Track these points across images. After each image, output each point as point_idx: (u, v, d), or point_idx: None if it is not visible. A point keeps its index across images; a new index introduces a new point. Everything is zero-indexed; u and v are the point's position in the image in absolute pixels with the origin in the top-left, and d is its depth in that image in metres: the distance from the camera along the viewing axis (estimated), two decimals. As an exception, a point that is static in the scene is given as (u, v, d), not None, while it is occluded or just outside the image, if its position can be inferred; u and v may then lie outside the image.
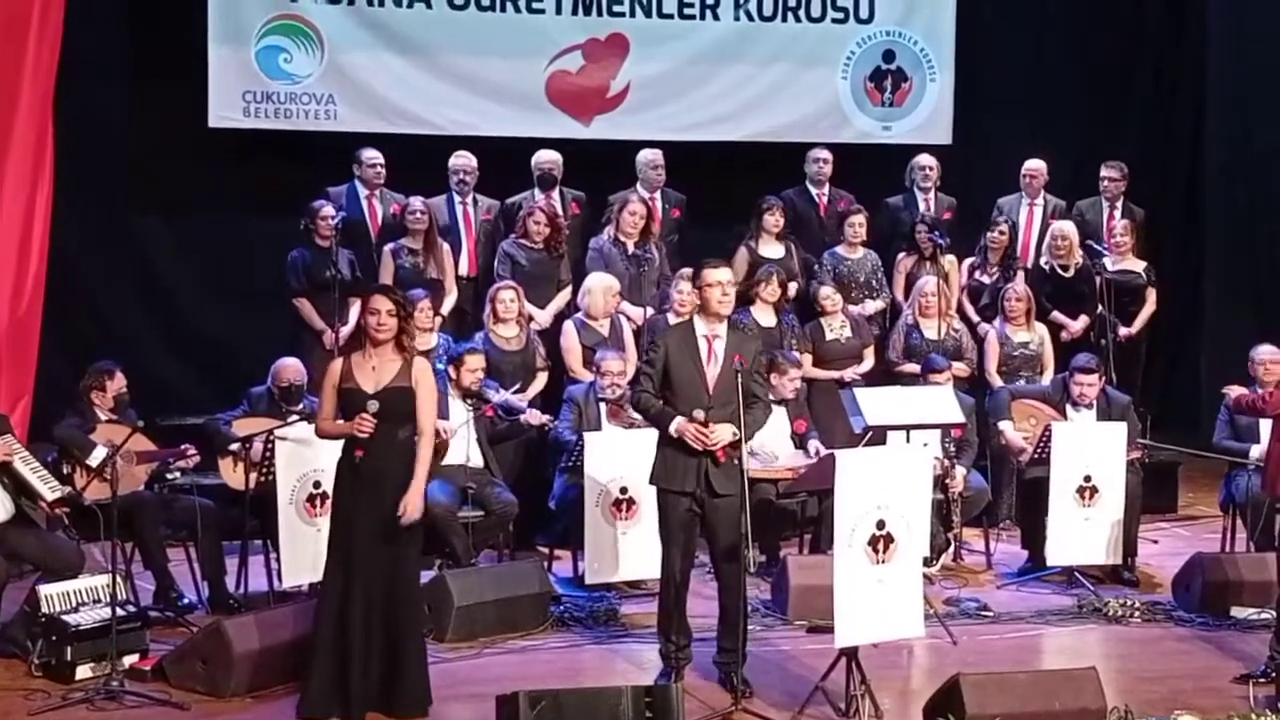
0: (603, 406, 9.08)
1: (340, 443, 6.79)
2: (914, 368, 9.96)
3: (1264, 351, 9.14)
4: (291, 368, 8.72)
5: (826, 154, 11.32)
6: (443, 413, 8.75)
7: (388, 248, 10.23)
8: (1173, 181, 13.17)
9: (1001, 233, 10.89)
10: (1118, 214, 11.37)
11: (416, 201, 10.29)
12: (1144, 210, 11.58)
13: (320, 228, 10.07)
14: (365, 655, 6.60)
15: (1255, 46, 12.75)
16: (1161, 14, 13.14)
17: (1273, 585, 8.42)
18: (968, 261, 10.95)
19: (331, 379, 6.74)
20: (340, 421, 6.70)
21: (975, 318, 10.68)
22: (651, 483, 7.11)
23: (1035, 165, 11.42)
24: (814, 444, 9.27)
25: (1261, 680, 7.23)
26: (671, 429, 6.92)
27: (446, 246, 10.37)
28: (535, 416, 9.28)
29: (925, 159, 11.42)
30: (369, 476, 6.65)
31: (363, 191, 10.63)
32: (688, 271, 9.55)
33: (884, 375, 10.15)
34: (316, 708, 6.60)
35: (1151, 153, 12.97)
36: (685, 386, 6.95)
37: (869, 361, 10.25)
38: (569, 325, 9.95)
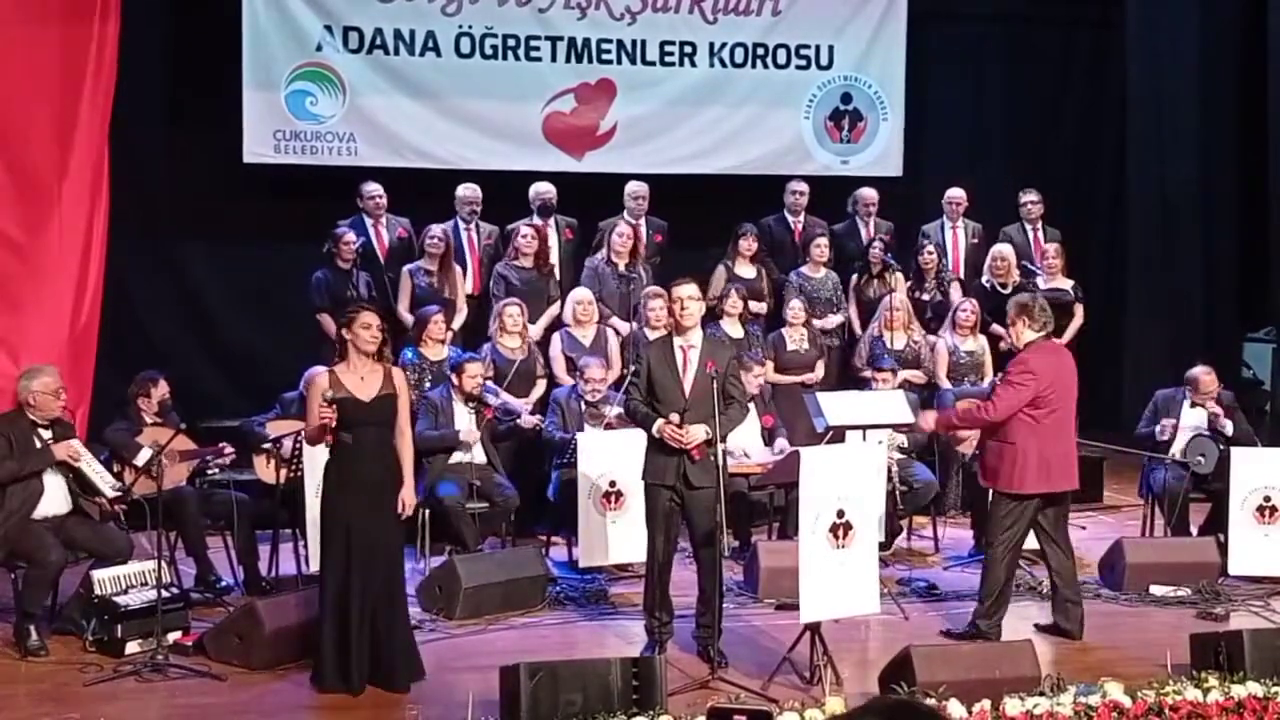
0: (583, 406, 9.09)
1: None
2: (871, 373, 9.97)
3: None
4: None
5: (804, 186, 11.34)
6: (447, 421, 8.77)
7: (406, 268, 10.22)
8: (1097, 210, 13.22)
9: (930, 253, 10.97)
10: (1041, 235, 11.42)
11: (436, 229, 10.27)
12: (1070, 234, 11.60)
13: (342, 251, 10.07)
14: (361, 635, 6.54)
15: (1170, 86, 12.81)
16: (1086, 55, 13.19)
17: (1186, 566, 8.50)
18: (905, 283, 10.99)
19: (319, 390, 6.57)
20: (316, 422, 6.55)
21: (921, 330, 10.72)
22: (642, 477, 7.13)
23: (956, 193, 11.48)
24: (781, 441, 9.28)
25: (957, 634, 7.44)
26: (654, 430, 6.94)
27: (459, 269, 10.38)
28: (528, 420, 9.26)
29: (868, 193, 11.46)
30: (364, 476, 6.59)
31: (368, 220, 10.62)
32: (655, 289, 9.61)
33: (850, 380, 10.17)
34: (331, 684, 6.58)
35: (1078, 184, 13.02)
36: (665, 393, 6.99)
37: (820, 373, 10.27)
38: (556, 336, 9.97)
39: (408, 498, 6.73)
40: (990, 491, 7.61)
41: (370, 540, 6.58)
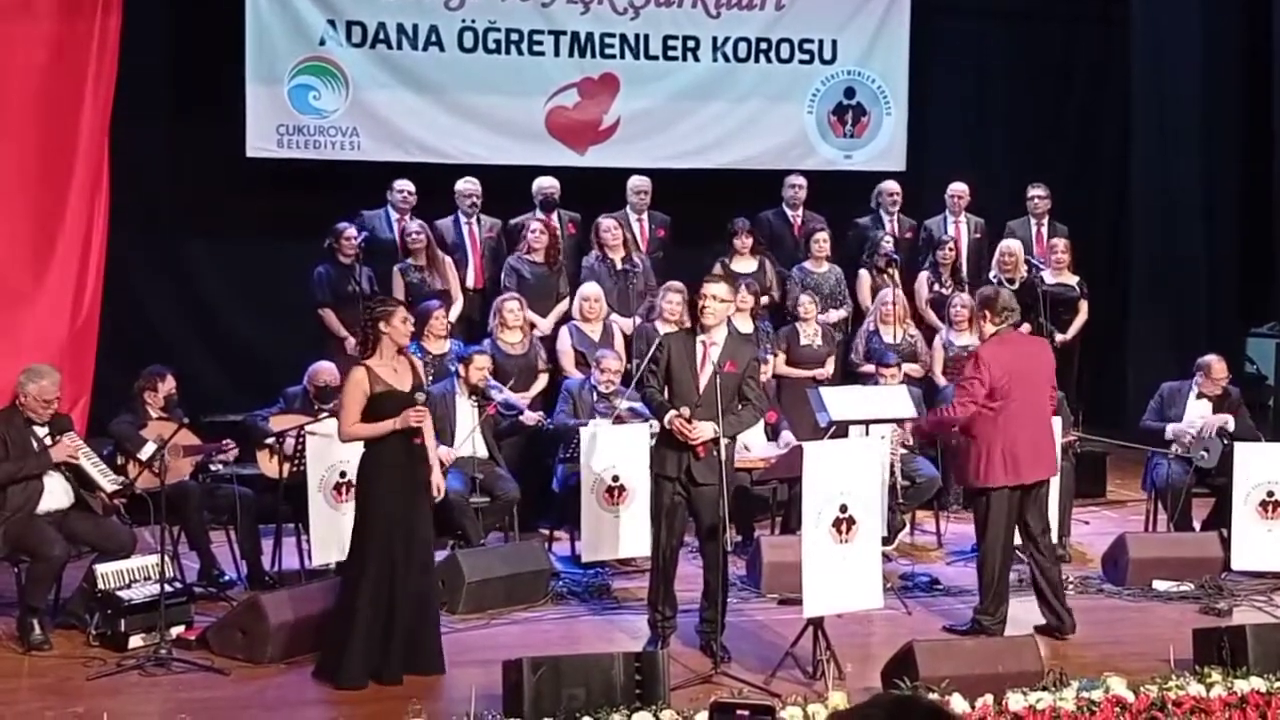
0: (595, 396, 9.10)
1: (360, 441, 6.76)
2: (873, 368, 9.96)
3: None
4: (326, 370, 8.70)
5: (802, 180, 11.36)
6: (449, 414, 8.77)
7: (396, 267, 10.25)
8: (1100, 205, 13.22)
9: (950, 250, 10.97)
10: (1044, 230, 11.42)
11: (414, 224, 10.29)
12: (1073, 230, 11.59)
13: (343, 246, 10.09)
14: (404, 624, 6.61)
15: (1173, 82, 12.81)
16: (1089, 51, 13.19)
17: (1189, 561, 8.51)
18: (924, 275, 11.00)
19: (362, 387, 6.62)
20: (381, 422, 6.60)
21: (940, 325, 10.70)
22: (649, 468, 7.15)
23: (959, 187, 11.50)
24: (786, 434, 9.30)
25: (960, 630, 7.44)
26: (665, 421, 6.95)
27: (449, 260, 10.38)
28: (530, 417, 9.23)
29: (890, 185, 11.49)
30: (404, 466, 6.65)
31: (393, 215, 10.64)
32: (675, 284, 9.62)
33: (847, 375, 10.17)
34: (357, 678, 6.58)
35: (1081, 179, 13.03)
36: (680, 386, 7.00)
37: (830, 368, 10.26)
38: (564, 330, 9.98)
39: (439, 482, 6.87)
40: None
41: (413, 529, 6.65)
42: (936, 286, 10.95)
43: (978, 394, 7.30)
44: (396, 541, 6.61)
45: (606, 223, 10.47)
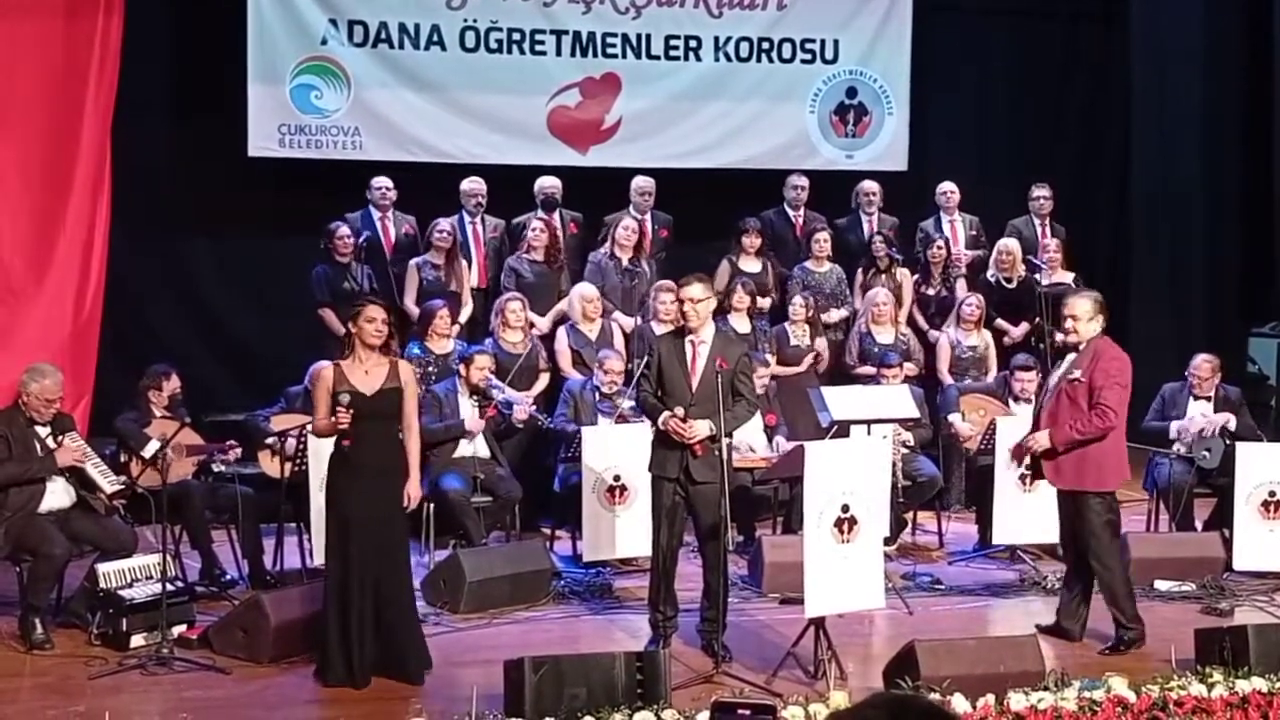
0: (597, 397, 9.08)
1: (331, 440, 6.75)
2: (869, 369, 9.95)
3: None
4: (327, 370, 8.68)
5: (803, 180, 11.34)
6: (454, 410, 8.76)
7: (413, 262, 10.23)
8: (1101, 204, 13.21)
9: (940, 248, 10.97)
10: (1048, 229, 11.41)
11: (444, 223, 10.28)
12: (1074, 229, 11.60)
13: (338, 246, 10.08)
14: (363, 628, 6.55)
15: (1173, 80, 12.81)
16: (1090, 50, 13.17)
17: (1191, 561, 8.49)
18: (913, 277, 10.99)
19: (326, 385, 6.64)
20: (327, 420, 6.62)
21: (925, 326, 10.72)
22: (649, 469, 7.13)
23: (947, 186, 11.50)
24: (779, 439, 9.29)
25: (1108, 651, 7.22)
26: (659, 422, 6.93)
27: (465, 263, 10.37)
28: (521, 411, 9.10)
29: (869, 185, 11.48)
30: (367, 469, 6.60)
31: (375, 214, 10.62)
32: (668, 284, 9.59)
33: (842, 376, 10.15)
34: (338, 675, 6.57)
35: (1082, 178, 13.01)
36: (673, 387, 6.98)
37: (808, 363, 10.17)
38: (561, 330, 9.97)
39: (413, 491, 6.74)
40: (1057, 494, 7.43)
41: (372, 533, 6.58)
42: (923, 287, 10.94)
43: (1127, 397, 7.20)
44: (356, 544, 6.56)
45: (628, 222, 10.46)
